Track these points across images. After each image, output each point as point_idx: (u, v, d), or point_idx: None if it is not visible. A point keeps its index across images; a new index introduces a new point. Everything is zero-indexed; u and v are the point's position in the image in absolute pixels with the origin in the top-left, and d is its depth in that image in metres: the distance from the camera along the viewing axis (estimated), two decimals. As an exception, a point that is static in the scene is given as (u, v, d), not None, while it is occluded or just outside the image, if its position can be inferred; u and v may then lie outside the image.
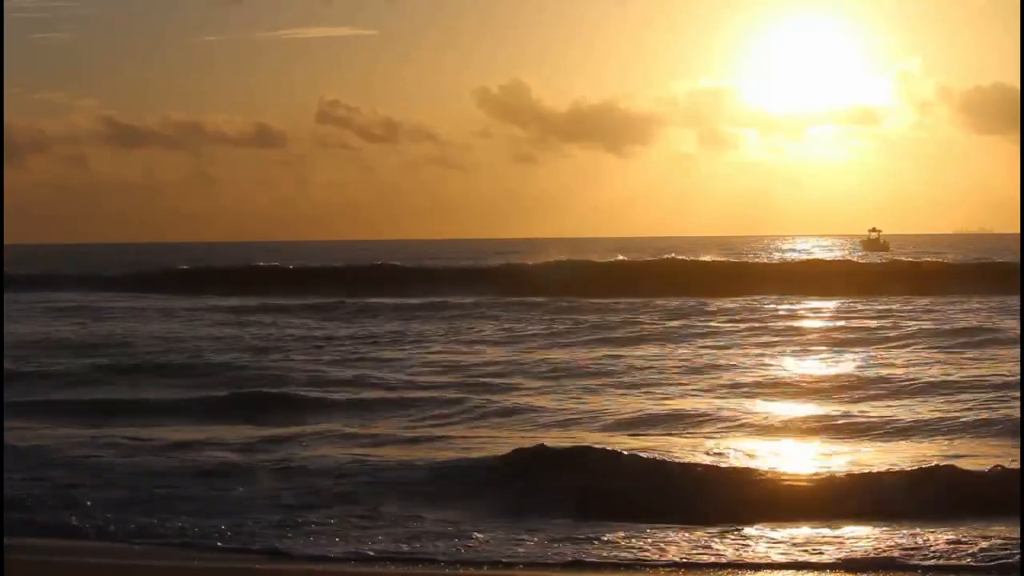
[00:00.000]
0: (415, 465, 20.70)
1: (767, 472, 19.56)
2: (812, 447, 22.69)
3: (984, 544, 15.62)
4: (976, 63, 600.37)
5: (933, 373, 31.65)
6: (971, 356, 35.66)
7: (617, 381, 31.52)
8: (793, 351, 38.57)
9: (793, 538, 16.27)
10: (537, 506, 18.23)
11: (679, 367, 34.26)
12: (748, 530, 16.68)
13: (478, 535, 16.79)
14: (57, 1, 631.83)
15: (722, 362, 35.21)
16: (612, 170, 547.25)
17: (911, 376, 31.12)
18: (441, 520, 17.72)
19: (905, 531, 16.40)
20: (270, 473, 20.43)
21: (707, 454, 21.45)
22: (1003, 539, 15.78)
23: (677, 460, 20.54)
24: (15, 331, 46.60)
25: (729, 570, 15.20)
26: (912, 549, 15.60)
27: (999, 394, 27.68)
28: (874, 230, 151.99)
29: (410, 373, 33.97)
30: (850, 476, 19.14)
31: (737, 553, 15.74)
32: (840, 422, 24.97)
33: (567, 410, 27.04)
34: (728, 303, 59.55)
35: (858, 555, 15.49)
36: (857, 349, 38.80)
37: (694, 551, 15.82)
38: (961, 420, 24.62)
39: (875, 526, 16.76)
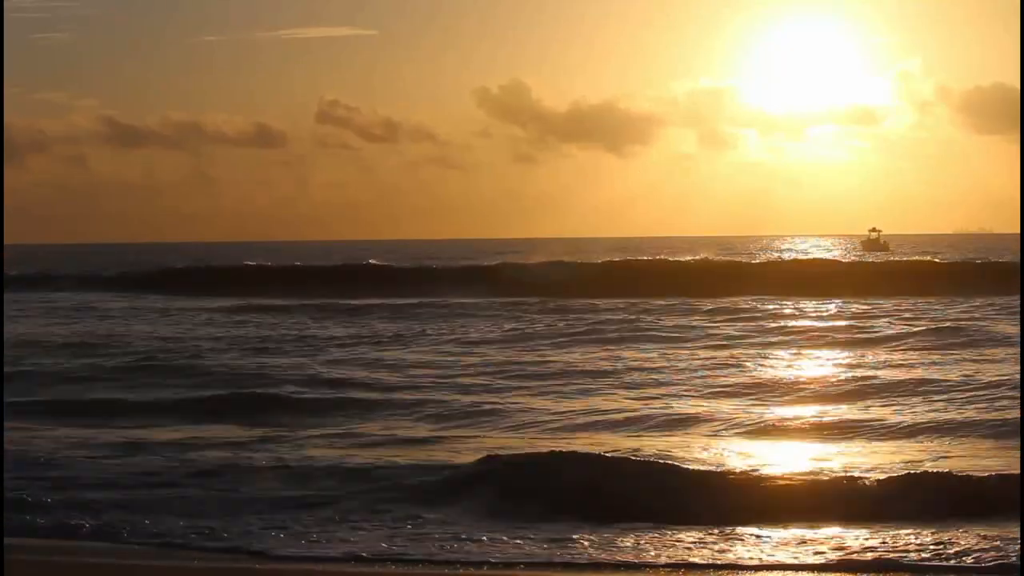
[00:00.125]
0: (411, 466, 20.68)
1: (763, 473, 19.54)
2: (808, 448, 22.66)
3: (983, 545, 15.65)
4: (976, 63, 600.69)
5: (929, 374, 31.60)
6: (968, 356, 35.60)
7: (612, 382, 31.48)
8: (787, 352, 38.44)
9: (791, 539, 16.30)
10: (535, 507, 18.20)
11: (675, 368, 34.18)
12: (746, 531, 16.70)
13: (477, 535, 16.82)
14: (57, 1, 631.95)
15: (716, 363, 35.11)
16: (612, 170, 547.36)
17: (906, 377, 31.06)
18: (440, 520, 17.74)
19: (904, 532, 16.41)
20: (267, 473, 20.41)
21: (703, 456, 21.43)
22: (1002, 540, 15.81)
23: (675, 461, 20.50)
24: (13, 331, 46.63)
25: (728, 571, 15.24)
26: (911, 550, 15.63)
27: (996, 395, 27.68)
28: (874, 230, 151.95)
29: (402, 374, 33.94)
30: (847, 477, 19.12)
31: (735, 554, 15.78)
32: (835, 423, 24.97)
33: (562, 411, 27.02)
34: (720, 303, 59.32)
35: (856, 556, 15.52)
36: (851, 350, 38.70)
37: (693, 552, 15.85)
38: (958, 421, 24.64)
39: (873, 527, 16.77)
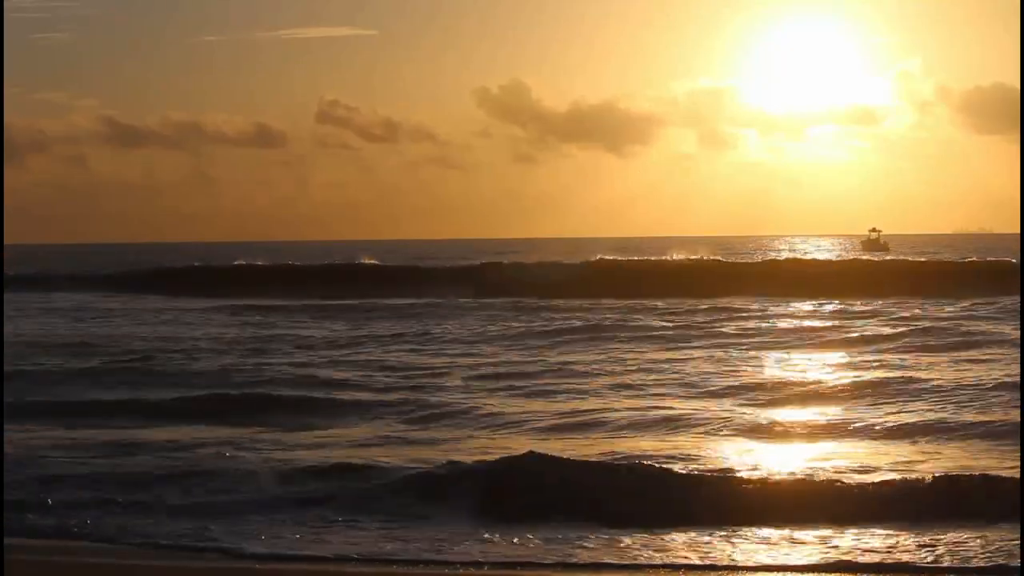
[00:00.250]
0: (404, 466, 20.64)
1: (759, 475, 19.52)
2: (803, 449, 22.63)
3: (982, 546, 15.69)
4: (976, 63, 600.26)
5: (926, 374, 31.55)
6: (965, 357, 35.60)
7: (603, 383, 31.41)
8: (779, 353, 38.40)
9: (788, 540, 16.33)
10: (534, 509, 18.21)
11: (668, 369, 34.14)
12: (743, 532, 16.74)
13: (473, 535, 16.86)
14: (57, 1, 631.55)
15: (710, 364, 35.06)
16: (612, 170, 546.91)
17: (903, 377, 31.02)
18: (434, 521, 17.79)
19: (902, 533, 16.44)
20: (260, 474, 20.35)
21: (697, 457, 21.41)
22: (1002, 541, 15.85)
23: (669, 462, 20.52)
24: (10, 331, 46.64)
25: (727, 571, 15.27)
26: (910, 551, 15.67)
27: (994, 396, 27.63)
28: (874, 230, 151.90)
29: (392, 374, 33.91)
30: (845, 478, 19.11)
31: (735, 555, 15.80)
32: (830, 424, 24.92)
33: (553, 412, 26.97)
34: (708, 303, 59.35)
35: (856, 557, 15.55)
36: (846, 350, 38.64)
37: (693, 552, 15.89)
38: (955, 421, 24.59)
39: (872, 528, 16.80)
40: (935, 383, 29.82)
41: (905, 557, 15.49)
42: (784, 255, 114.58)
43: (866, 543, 16.14)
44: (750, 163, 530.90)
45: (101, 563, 15.85)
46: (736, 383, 30.86)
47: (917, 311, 54.08)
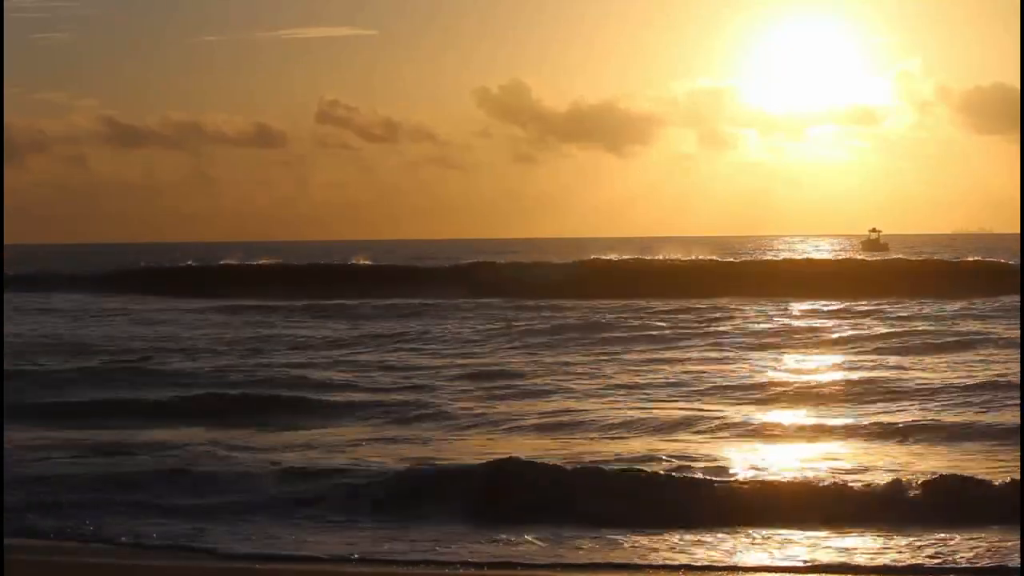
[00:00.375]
0: (398, 466, 20.66)
1: (757, 476, 19.58)
2: (801, 450, 22.64)
3: (982, 548, 15.73)
4: (976, 63, 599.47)
5: (924, 374, 31.60)
6: (963, 358, 35.60)
7: (596, 384, 31.39)
8: (776, 353, 38.33)
9: (787, 541, 16.38)
10: (529, 509, 18.24)
11: (663, 370, 34.19)
12: (743, 533, 16.79)
13: (472, 536, 16.92)
14: (57, 1, 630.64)
15: (707, 365, 35.10)
16: (612, 170, 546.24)
17: (899, 377, 31.05)
18: (434, 521, 17.84)
19: (901, 535, 16.48)
20: (254, 474, 20.35)
21: (697, 457, 21.39)
22: (1002, 543, 15.88)
23: (667, 464, 20.57)
24: (8, 331, 46.67)
25: (725, 571, 15.30)
26: (909, 552, 15.72)
27: (993, 396, 27.66)
28: (874, 230, 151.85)
29: (386, 375, 33.93)
30: (844, 479, 19.11)
31: (732, 556, 15.85)
32: (829, 425, 24.92)
33: (546, 412, 27.01)
34: (703, 303, 59.24)
35: (855, 558, 15.59)
36: (843, 350, 38.70)
37: (690, 553, 15.93)
38: (954, 422, 24.62)
39: (871, 529, 16.85)
40: (932, 383, 29.83)
41: (902, 558, 15.55)
42: (783, 255, 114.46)
43: (866, 544, 16.20)
44: (750, 163, 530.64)
45: (101, 563, 15.89)
46: (731, 383, 30.85)
47: (915, 311, 54.04)
